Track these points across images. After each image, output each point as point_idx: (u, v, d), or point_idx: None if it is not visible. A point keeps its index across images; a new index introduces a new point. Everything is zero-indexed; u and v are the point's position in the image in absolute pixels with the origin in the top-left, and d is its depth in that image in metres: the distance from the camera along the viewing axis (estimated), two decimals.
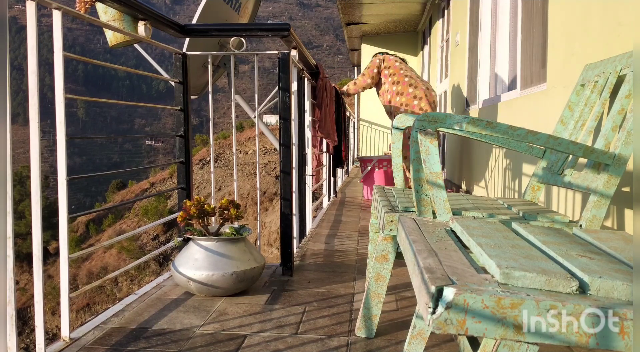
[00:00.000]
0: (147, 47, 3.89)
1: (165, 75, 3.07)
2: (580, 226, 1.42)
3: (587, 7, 2.13)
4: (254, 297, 2.18)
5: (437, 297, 0.75)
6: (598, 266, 0.88)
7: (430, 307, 0.75)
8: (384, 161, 5.60)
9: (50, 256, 20.09)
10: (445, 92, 6.83)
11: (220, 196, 12.43)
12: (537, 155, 1.90)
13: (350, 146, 9.15)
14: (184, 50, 2.81)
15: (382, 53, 5.33)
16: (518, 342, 0.76)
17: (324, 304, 2.10)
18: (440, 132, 3.47)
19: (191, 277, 2.09)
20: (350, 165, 9.32)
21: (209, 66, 2.74)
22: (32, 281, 2.05)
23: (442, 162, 6.62)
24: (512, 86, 3.80)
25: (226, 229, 2.28)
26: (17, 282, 2.03)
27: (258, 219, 2.96)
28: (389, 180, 5.44)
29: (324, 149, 4.98)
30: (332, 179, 5.49)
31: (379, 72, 5.21)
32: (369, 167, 5.63)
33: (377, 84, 5.29)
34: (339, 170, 6.30)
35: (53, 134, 1.66)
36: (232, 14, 4.64)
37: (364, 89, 5.24)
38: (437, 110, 5.52)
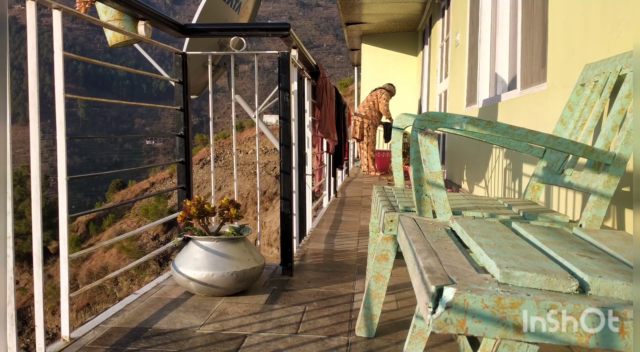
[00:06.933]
0: (147, 47, 3.89)
1: (165, 75, 3.07)
2: (580, 225, 1.42)
3: (587, 7, 2.13)
4: (254, 297, 2.18)
5: (437, 297, 0.75)
6: (598, 265, 0.88)
7: (430, 307, 0.75)
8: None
9: (50, 255, 20.09)
10: (445, 92, 6.83)
11: (220, 195, 12.42)
12: (537, 155, 1.90)
13: (351, 146, 9.17)
14: (184, 50, 2.81)
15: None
16: (518, 342, 0.76)
17: (324, 304, 2.10)
18: (440, 132, 3.48)
19: (191, 277, 2.09)
20: (350, 165, 9.32)
21: (209, 66, 2.74)
22: (32, 280, 2.05)
23: (442, 162, 6.65)
24: (512, 86, 3.79)
25: (226, 228, 2.28)
26: (17, 282, 2.03)
27: (258, 218, 2.96)
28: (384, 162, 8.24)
29: (324, 148, 4.98)
30: (332, 179, 5.50)
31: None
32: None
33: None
34: (338, 170, 6.31)
35: (53, 134, 1.66)
36: (232, 13, 4.64)
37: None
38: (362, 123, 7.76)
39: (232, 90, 2.91)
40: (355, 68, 14.20)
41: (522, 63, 3.36)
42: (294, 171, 2.74)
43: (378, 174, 7.85)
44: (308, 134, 3.58)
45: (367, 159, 7.82)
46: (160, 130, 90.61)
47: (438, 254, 0.95)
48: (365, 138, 7.66)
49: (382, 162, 8.17)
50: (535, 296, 0.74)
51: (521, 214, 1.55)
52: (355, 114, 7.79)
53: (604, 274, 0.81)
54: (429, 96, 8.65)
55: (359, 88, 12.52)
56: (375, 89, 7.84)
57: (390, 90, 7.77)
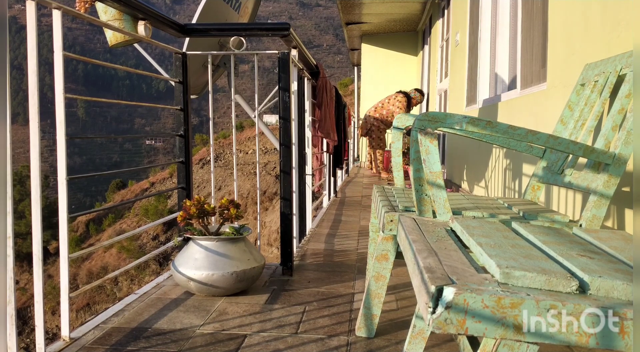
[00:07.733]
0: (147, 47, 3.89)
1: (165, 75, 3.07)
2: (580, 225, 1.42)
3: (587, 7, 2.13)
4: (254, 296, 2.18)
5: (437, 297, 0.75)
6: (598, 265, 0.88)
7: (430, 307, 0.75)
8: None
9: (50, 255, 20.09)
10: (446, 92, 6.83)
11: (220, 195, 12.42)
12: (537, 155, 1.90)
13: (351, 146, 9.18)
14: (184, 50, 2.81)
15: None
16: (518, 342, 0.76)
17: (324, 304, 2.10)
18: (440, 132, 3.48)
19: (191, 276, 2.09)
20: (350, 165, 9.31)
21: (209, 66, 2.74)
22: (32, 280, 2.05)
23: (442, 162, 6.66)
24: (512, 86, 3.79)
25: (226, 228, 2.28)
26: (17, 282, 2.03)
27: (258, 218, 2.96)
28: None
29: (324, 148, 4.98)
30: (332, 178, 5.50)
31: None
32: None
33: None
34: (338, 170, 6.31)
35: (53, 134, 1.66)
36: (232, 13, 4.64)
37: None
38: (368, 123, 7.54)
39: (232, 90, 2.91)
40: (355, 68, 14.20)
41: (522, 63, 3.36)
42: (294, 171, 2.74)
43: (385, 175, 7.60)
44: (308, 134, 3.58)
45: (371, 162, 7.85)
46: (160, 130, 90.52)
47: (438, 254, 0.95)
48: (368, 140, 7.63)
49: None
50: (535, 296, 0.74)
51: (521, 214, 1.55)
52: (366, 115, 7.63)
53: (604, 274, 0.81)
54: (429, 96, 8.65)
55: (359, 88, 12.52)
56: (399, 92, 7.41)
57: (414, 98, 7.37)
